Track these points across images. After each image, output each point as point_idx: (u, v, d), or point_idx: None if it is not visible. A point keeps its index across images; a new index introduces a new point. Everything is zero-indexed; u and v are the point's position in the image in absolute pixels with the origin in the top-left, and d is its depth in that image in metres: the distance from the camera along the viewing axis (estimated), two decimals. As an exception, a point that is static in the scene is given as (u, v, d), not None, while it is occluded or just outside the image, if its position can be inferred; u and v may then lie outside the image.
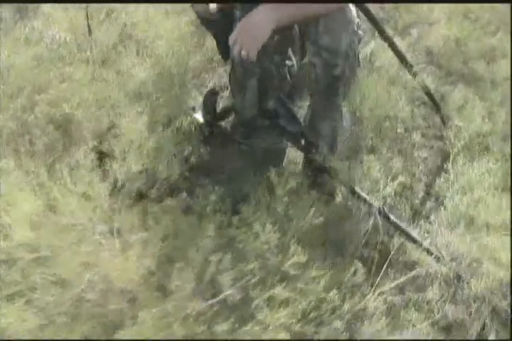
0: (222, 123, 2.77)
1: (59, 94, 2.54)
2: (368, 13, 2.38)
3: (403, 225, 2.25)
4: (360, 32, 2.33)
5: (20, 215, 2.00)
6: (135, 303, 1.90)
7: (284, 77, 2.52)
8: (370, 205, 2.26)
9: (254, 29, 2.15)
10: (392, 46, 2.45)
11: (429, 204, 2.43)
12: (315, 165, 2.46)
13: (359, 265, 2.03)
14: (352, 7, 2.29)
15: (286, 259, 2.01)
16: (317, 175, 2.46)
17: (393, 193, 2.25)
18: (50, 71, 2.63)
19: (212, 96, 2.72)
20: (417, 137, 2.70)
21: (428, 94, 2.59)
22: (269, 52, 2.37)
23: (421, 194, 2.47)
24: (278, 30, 2.19)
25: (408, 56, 2.60)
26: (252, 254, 2.02)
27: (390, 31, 2.82)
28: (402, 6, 3.52)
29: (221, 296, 1.90)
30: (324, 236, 2.19)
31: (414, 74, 2.38)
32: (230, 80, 2.63)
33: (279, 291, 1.93)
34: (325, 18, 2.24)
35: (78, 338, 1.82)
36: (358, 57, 2.39)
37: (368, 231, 2.21)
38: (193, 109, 2.86)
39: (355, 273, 2.02)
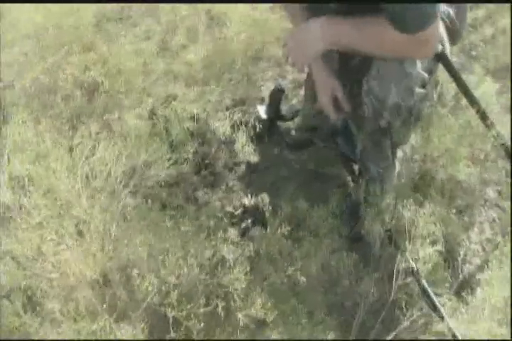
0: (282, 124, 2.52)
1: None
2: (444, 59, 2.02)
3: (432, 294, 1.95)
4: (421, 90, 1.97)
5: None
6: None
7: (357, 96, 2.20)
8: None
9: (303, 45, 1.92)
10: (467, 95, 2.08)
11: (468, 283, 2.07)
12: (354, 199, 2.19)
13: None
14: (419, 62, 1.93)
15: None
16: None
17: (434, 256, 1.94)
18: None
19: (278, 93, 2.48)
20: (489, 192, 2.35)
21: (504, 148, 2.22)
22: (349, 70, 2.10)
23: (468, 266, 2.13)
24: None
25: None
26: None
27: (480, 71, 2.44)
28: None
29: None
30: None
31: (489, 126, 2.03)
32: (305, 85, 2.41)
33: None
34: (380, 60, 1.91)
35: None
36: (417, 116, 2.06)
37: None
38: (262, 99, 2.65)
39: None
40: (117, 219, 1.92)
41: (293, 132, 2.48)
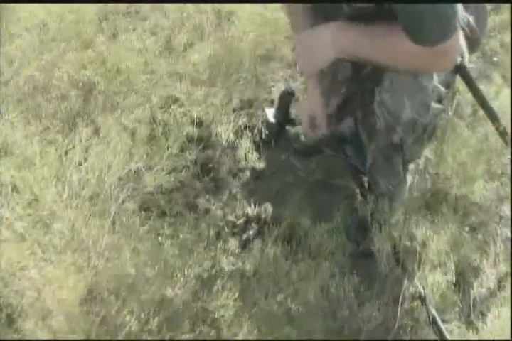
0: (291, 129, 2.39)
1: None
2: (463, 71, 1.86)
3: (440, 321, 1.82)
4: (437, 106, 1.82)
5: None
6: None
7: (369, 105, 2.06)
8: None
9: (312, 52, 1.79)
10: (485, 107, 1.92)
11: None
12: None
13: None
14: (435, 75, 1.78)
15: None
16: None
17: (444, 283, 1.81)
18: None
19: (287, 95, 2.36)
20: (505, 209, 2.19)
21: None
22: (361, 78, 1.97)
23: (479, 290, 1.97)
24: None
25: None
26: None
27: (498, 79, 2.28)
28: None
29: None
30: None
31: (507, 142, 1.88)
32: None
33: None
34: (391, 73, 1.76)
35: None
36: (431, 133, 1.92)
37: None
38: (272, 102, 2.52)
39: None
40: (107, 231, 1.82)
41: (302, 138, 2.35)
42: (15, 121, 1.89)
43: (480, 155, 2.04)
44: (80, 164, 1.86)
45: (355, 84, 2.02)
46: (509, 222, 2.10)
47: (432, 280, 1.75)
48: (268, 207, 2.17)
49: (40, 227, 1.73)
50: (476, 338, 1.79)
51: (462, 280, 1.92)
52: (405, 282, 1.78)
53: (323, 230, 1.91)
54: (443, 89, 1.82)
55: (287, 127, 2.39)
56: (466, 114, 2.20)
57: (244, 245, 2.10)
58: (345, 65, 1.97)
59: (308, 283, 1.77)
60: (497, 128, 1.89)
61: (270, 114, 2.40)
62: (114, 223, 2.16)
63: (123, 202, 2.20)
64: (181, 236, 2.13)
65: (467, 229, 2.07)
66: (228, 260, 2.05)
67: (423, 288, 1.78)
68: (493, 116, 1.89)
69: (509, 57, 2.58)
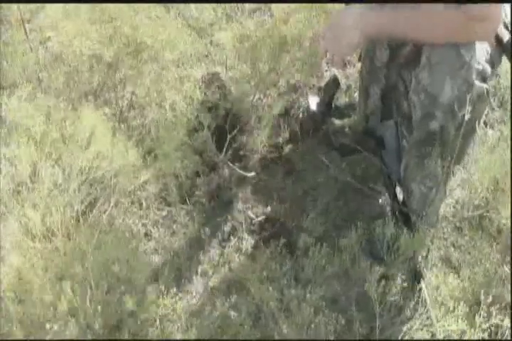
0: (335, 122, 2.20)
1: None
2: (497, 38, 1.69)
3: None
4: (481, 84, 1.65)
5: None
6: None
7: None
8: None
9: (341, 36, 1.71)
10: None
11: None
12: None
13: None
14: (479, 48, 1.63)
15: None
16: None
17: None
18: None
19: (332, 84, 2.16)
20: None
21: None
22: (398, 64, 1.82)
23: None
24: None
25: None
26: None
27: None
28: None
29: None
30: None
31: None
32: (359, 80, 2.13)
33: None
34: (430, 47, 1.62)
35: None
36: (475, 122, 1.72)
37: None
38: (319, 89, 2.32)
39: None
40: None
41: (343, 133, 2.16)
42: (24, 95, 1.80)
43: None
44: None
45: (393, 71, 1.86)
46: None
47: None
48: (289, 209, 2.03)
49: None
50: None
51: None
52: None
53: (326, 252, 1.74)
54: (488, 67, 1.67)
55: (330, 120, 2.20)
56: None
57: (258, 246, 1.97)
58: (381, 50, 1.86)
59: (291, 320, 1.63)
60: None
61: (314, 103, 2.21)
62: (132, 203, 2.10)
63: (145, 182, 2.11)
64: (196, 226, 2.04)
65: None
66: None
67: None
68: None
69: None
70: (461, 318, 1.61)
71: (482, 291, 1.68)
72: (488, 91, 1.69)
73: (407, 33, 1.64)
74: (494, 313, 1.65)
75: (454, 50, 1.60)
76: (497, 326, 1.71)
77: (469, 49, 1.61)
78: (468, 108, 1.63)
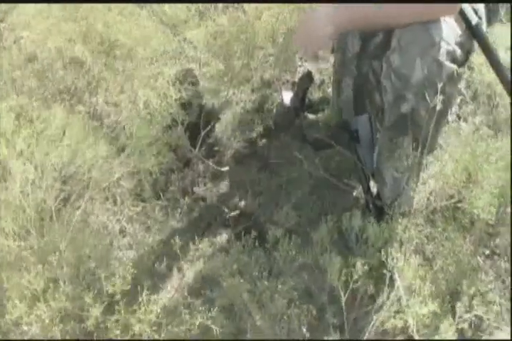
0: (309, 116, 2.22)
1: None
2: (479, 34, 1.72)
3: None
4: (451, 65, 1.67)
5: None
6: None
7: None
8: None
9: (312, 28, 1.74)
10: (501, 76, 1.73)
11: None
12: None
13: None
14: (449, 29, 1.66)
15: None
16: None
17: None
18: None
19: (306, 79, 2.16)
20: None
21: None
22: (369, 54, 1.81)
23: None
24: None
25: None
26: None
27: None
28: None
29: None
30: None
31: None
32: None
33: None
34: (401, 29, 1.64)
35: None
36: (446, 105, 1.72)
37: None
38: (293, 84, 2.33)
39: None
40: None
41: (317, 128, 2.17)
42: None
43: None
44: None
45: (364, 62, 1.85)
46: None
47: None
48: (263, 203, 2.04)
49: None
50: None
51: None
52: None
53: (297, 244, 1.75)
54: (458, 49, 1.70)
55: (303, 114, 2.21)
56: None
57: (232, 240, 1.98)
58: (353, 40, 1.83)
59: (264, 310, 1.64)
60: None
61: (287, 98, 2.22)
62: (107, 199, 2.10)
63: (119, 179, 2.12)
64: (171, 222, 2.04)
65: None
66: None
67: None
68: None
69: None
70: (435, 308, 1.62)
71: (464, 282, 1.71)
72: (458, 74, 1.71)
73: (377, 20, 1.69)
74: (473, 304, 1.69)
75: (423, 31, 1.63)
76: (480, 318, 1.76)
77: (438, 29, 1.64)
78: (439, 89, 1.65)
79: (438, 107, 1.66)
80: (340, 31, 1.74)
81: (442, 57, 1.66)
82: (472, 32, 1.72)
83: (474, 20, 1.71)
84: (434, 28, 1.64)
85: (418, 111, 1.72)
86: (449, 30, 1.68)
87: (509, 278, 1.88)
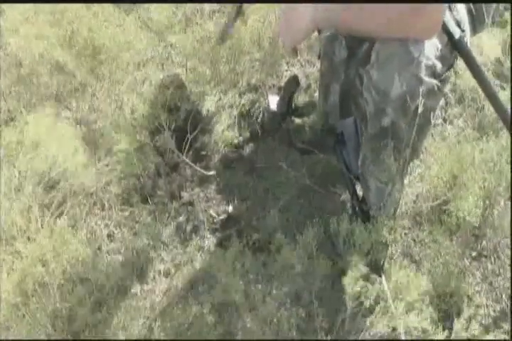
0: (295, 120, 2.23)
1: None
2: (462, 48, 1.69)
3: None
4: (431, 80, 1.65)
5: None
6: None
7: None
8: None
9: (292, 24, 1.72)
10: (486, 90, 1.72)
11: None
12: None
13: None
14: (429, 45, 1.62)
15: None
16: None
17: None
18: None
19: (292, 83, 2.16)
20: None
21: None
22: (356, 61, 1.80)
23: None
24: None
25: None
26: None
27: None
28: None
29: None
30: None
31: None
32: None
33: None
34: (379, 43, 1.61)
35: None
36: (427, 118, 1.72)
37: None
38: (279, 89, 2.34)
39: None
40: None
41: (303, 132, 2.18)
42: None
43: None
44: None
45: (352, 69, 1.85)
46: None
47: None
48: (251, 207, 2.04)
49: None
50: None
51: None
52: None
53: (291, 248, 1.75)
54: (439, 64, 1.66)
55: (290, 119, 2.22)
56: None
57: (221, 244, 1.98)
58: (340, 49, 1.85)
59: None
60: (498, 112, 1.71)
61: (274, 102, 2.22)
62: (95, 204, 2.10)
63: (107, 184, 2.12)
64: (159, 226, 2.04)
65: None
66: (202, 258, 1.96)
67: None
68: (494, 100, 1.71)
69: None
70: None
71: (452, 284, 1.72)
72: (438, 88, 1.69)
73: (355, 27, 1.65)
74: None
75: (402, 47, 1.60)
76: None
77: (418, 46, 1.60)
78: (419, 104, 1.64)
79: (419, 121, 1.66)
80: (319, 28, 1.75)
81: (422, 72, 1.62)
82: (455, 46, 1.70)
83: (457, 33, 1.69)
84: (415, 45, 1.60)
85: (398, 124, 1.69)
86: (429, 44, 1.64)
87: (496, 279, 1.89)
